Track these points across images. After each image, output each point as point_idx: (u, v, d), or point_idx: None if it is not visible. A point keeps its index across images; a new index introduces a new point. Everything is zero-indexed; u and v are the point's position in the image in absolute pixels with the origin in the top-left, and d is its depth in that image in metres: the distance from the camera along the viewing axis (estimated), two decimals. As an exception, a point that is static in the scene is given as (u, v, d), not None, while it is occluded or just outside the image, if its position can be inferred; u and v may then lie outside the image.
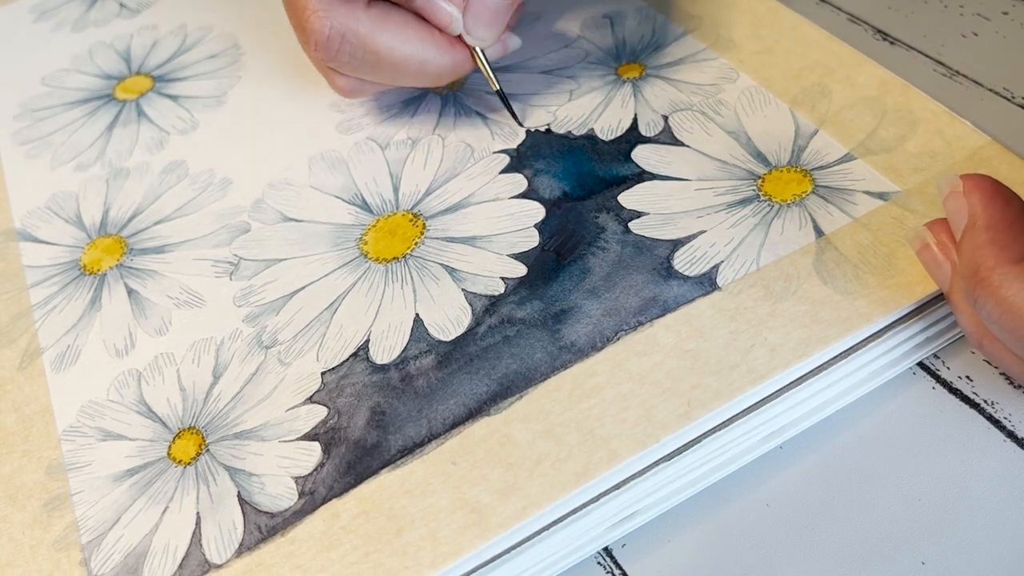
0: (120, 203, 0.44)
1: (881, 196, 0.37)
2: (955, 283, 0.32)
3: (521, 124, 0.43)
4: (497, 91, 0.43)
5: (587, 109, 0.43)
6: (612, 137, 0.42)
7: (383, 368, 0.35)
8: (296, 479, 0.32)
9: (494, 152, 0.42)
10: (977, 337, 0.31)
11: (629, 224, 0.38)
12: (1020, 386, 0.33)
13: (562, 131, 0.43)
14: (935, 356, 0.34)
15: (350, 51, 0.39)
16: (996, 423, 0.32)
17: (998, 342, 0.30)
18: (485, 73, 0.42)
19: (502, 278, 0.37)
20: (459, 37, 0.41)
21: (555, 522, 0.30)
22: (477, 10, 0.40)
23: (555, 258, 0.37)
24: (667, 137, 0.41)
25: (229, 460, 0.33)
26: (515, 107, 0.44)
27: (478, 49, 0.41)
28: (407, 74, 0.40)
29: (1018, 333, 0.28)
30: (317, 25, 0.38)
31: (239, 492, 0.32)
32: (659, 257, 0.36)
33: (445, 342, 0.35)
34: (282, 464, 0.33)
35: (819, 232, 0.36)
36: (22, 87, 0.53)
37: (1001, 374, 0.33)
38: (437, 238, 0.39)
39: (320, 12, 0.38)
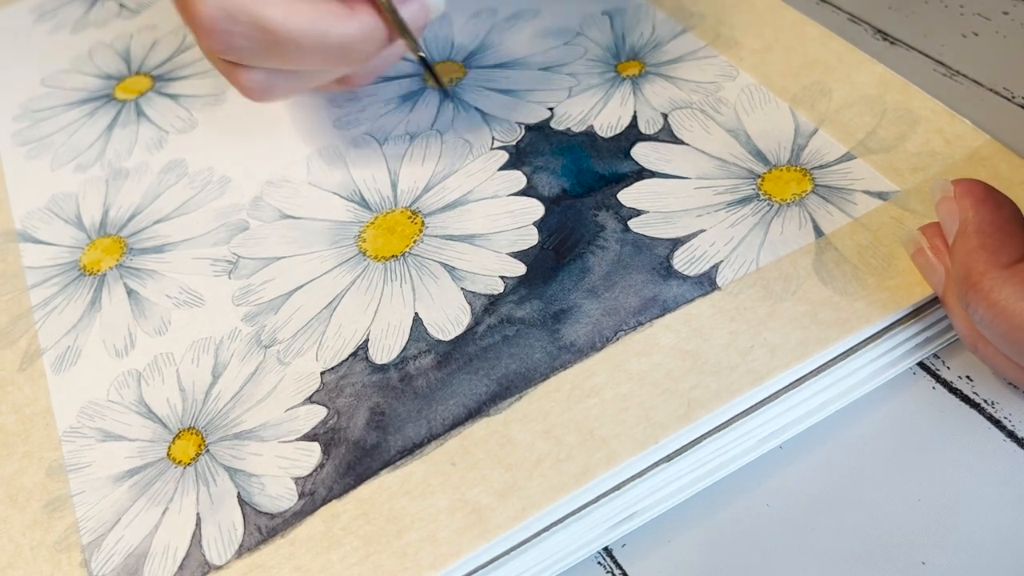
0: (120, 203, 0.44)
1: (881, 196, 0.37)
2: (949, 287, 0.32)
3: (444, 88, 0.42)
4: (420, 57, 0.40)
5: (586, 106, 0.43)
6: (611, 134, 0.42)
7: (382, 368, 0.35)
8: (296, 480, 0.32)
9: (492, 148, 0.42)
10: (971, 340, 0.31)
11: (628, 222, 0.38)
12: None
13: (561, 127, 0.42)
14: (935, 356, 0.34)
15: (241, 32, 0.35)
16: (996, 423, 0.32)
17: (992, 345, 0.30)
18: (403, 36, 0.38)
19: (501, 277, 0.37)
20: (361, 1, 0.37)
21: (555, 523, 0.30)
22: None
23: (554, 257, 0.37)
24: (667, 135, 0.41)
25: (229, 460, 0.33)
26: (512, 103, 0.43)
27: (397, 10, 0.37)
28: (310, 51, 0.36)
29: (1010, 336, 0.28)
30: (202, 8, 0.35)
31: (239, 493, 0.32)
32: (658, 256, 0.36)
33: (444, 342, 0.35)
34: (282, 465, 0.33)
35: (819, 232, 0.36)
36: (22, 88, 0.53)
37: (1001, 374, 0.33)
38: (436, 236, 0.39)
39: None
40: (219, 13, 0.35)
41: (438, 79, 0.43)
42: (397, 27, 0.37)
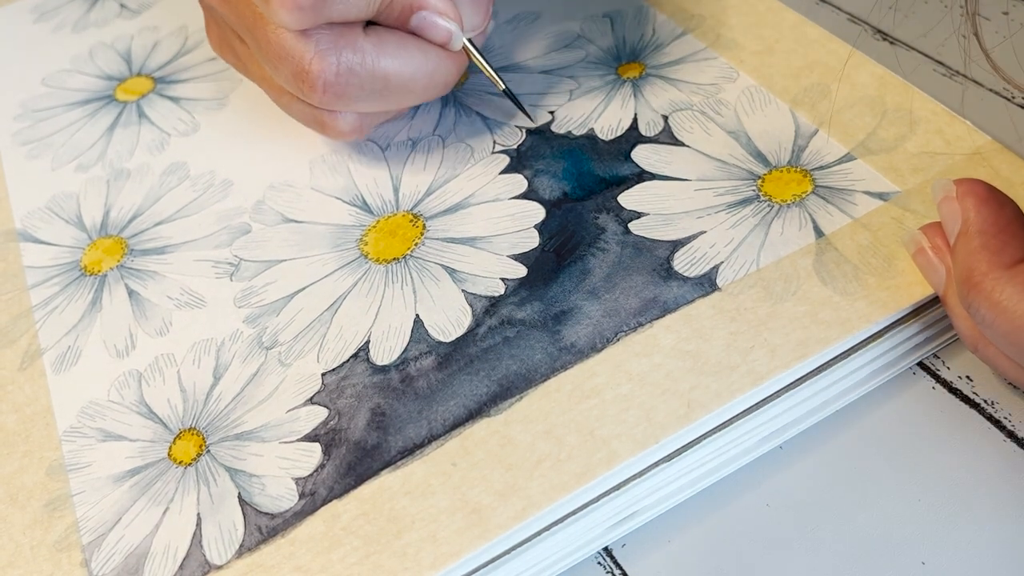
0: (121, 204, 0.44)
1: (881, 196, 0.37)
2: (950, 287, 0.32)
3: (533, 120, 0.43)
4: (504, 91, 0.42)
5: (587, 109, 0.43)
6: (612, 137, 0.42)
7: (383, 369, 0.35)
8: (296, 480, 0.32)
9: (494, 152, 0.42)
10: (972, 341, 0.31)
11: (629, 225, 0.38)
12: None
13: (562, 131, 0.43)
14: (935, 356, 0.34)
15: (359, 84, 0.37)
16: (996, 423, 0.32)
17: (993, 346, 0.30)
18: (488, 74, 0.41)
19: (502, 279, 0.37)
20: None
21: (555, 523, 0.30)
22: (463, 3, 0.39)
23: (555, 259, 0.37)
24: (667, 137, 0.41)
25: (230, 461, 0.33)
26: (513, 106, 0.44)
27: (473, 47, 0.41)
28: (416, 92, 0.39)
29: (1012, 337, 0.28)
30: (322, 65, 0.36)
31: (239, 493, 0.32)
32: (659, 258, 0.36)
33: (445, 343, 0.35)
34: (282, 465, 0.33)
35: (819, 232, 0.36)
36: (23, 87, 0.53)
37: (1001, 374, 0.33)
38: (437, 239, 0.39)
39: (323, 51, 0.36)
40: (340, 68, 0.36)
41: (523, 108, 0.43)
42: (480, 64, 0.41)
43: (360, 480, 0.32)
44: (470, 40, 0.41)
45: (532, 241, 0.38)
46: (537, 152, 0.42)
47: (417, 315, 0.36)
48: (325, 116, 0.39)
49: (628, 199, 0.39)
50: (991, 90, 0.41)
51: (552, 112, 0.44)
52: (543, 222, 0.39)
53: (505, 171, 0.41)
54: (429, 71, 0.39)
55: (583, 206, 0.39)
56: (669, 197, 0.39)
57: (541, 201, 0.40)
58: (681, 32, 0.46)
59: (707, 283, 0.35)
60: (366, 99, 0.38)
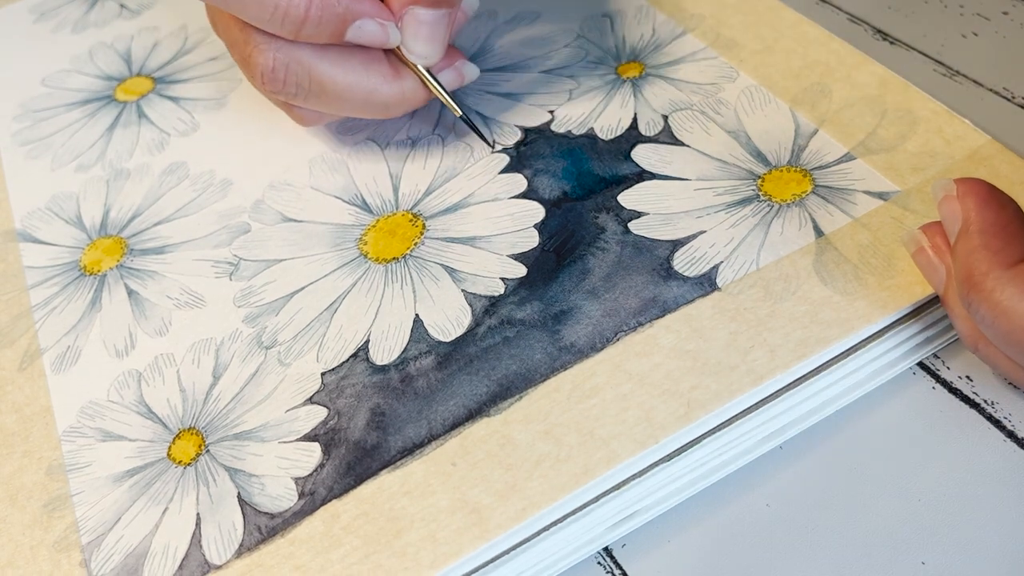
0: (120, 204, 0.44)
1: (881, 196, 0.37)
2: (950, 286, 0.32)
3: (491, 145, 0.43)
4: (461, 117, 0.41)
5: (587, 108, 0.43)
6: (612, 136, 0.42)
7: (383, 369, 0.35)
8: (296, 480, 0.32)
9: (494, 152, 0.42)
10: (972, 340, 0.31)
11: (629, 224, 0.38)
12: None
13: (562, 130, 0.43)
14: (935, 356, 0.34)
15: (296, 81, 0.38)
16: (996, 423, 0.32)
17: (992, 345, 0.30)
18: (443, 100, 0.40)
19: (502, 279, 0.37)
20: (406, 66, 0.40)
21: (555, 523, 0.30)
22: (412, 26, 0.39)
23: (555, 259, 0.37)
24: (667, 137, 0.41)
25: (229, 461, 0.33)
26: (513, 106, 0.44)
27: (428, 74, 0.40)
28: (354, 104, 0.39)
29: (1011, 337, 0.28)
30: (260, 58, 0.38)
31: (239, 493, 0.32)
32: (659, 257, 0.36)
33: (445, 343, 0.35)
34: (282, 465, 0.33)
35: (819, 232, 0.36)
36: (22, 88, 0.53)
37: (1001, 374, 0.33)
38: (437, 238, 0.39)
39: (262, 44, 0.38)
40: (276, 63, 0.38)
41: (481, 135, 0.42)
42: (436, 92, 0.40)
43: (360, 480, 0.32)
44: (428, 70, 0.40)
45: (532, 241, 0.38)
46: (537, 151, 0.42)
47: (417, 315, 0.36)
48: (280, 102, 0.41)
49: (628, 198, 0.39)
50: (991, 90, 0.41)
51: (552, 112, 0.44)
52: (543, 221, 0.39)
53: (505, 170, 0.41)
54: (367, 88, 0.39)
55: (583, 205, 0.39)
56: (669, 197, 0.39)
57: (541, 200, 0.40)
58: (681, 32, 0.46)
59: (707, 283, 0.35)
60: (306, 98, 0.39)
